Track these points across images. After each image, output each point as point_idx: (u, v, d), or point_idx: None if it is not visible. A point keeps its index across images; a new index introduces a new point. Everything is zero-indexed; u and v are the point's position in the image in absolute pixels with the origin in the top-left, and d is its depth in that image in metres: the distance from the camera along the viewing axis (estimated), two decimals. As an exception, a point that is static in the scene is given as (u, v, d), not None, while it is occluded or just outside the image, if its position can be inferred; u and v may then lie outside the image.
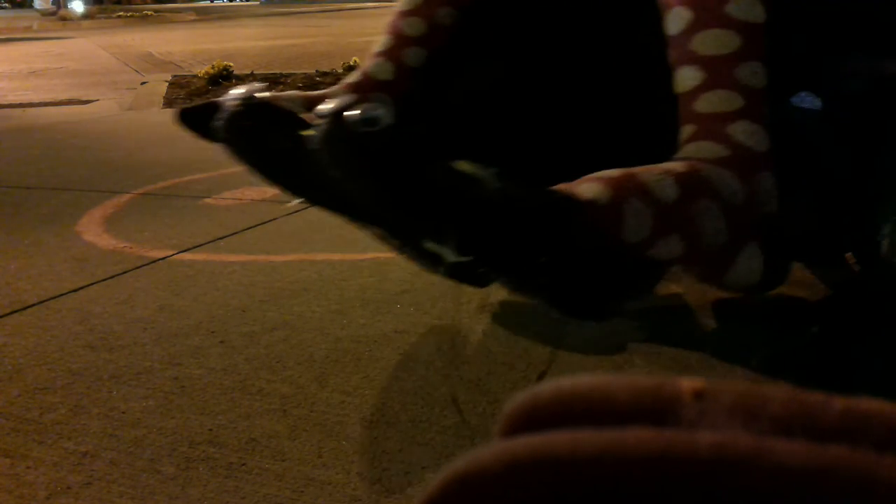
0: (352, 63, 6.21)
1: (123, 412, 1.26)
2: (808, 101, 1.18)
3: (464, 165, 0.90)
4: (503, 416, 0.21)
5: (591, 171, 0.99)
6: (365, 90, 1.34)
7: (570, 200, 0.93)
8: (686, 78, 1.07)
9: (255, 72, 6.35)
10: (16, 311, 1.71)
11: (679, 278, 1.12)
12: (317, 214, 2.46)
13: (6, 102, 5.76)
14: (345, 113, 0.86)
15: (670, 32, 1.10)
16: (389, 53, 1.29)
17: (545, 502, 0.18)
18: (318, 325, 1.57)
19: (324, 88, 4.39)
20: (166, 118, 4.80)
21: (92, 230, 2.30)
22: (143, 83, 6.43)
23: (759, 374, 1.31)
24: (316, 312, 1.63)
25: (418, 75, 1.25)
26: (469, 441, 1.15)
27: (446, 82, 1.19)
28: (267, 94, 1.21)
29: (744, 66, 1.04)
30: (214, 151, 3.09)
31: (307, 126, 1.08)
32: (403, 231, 1.13)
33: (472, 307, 1.62)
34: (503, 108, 1.27)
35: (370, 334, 1.51)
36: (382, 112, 0.87)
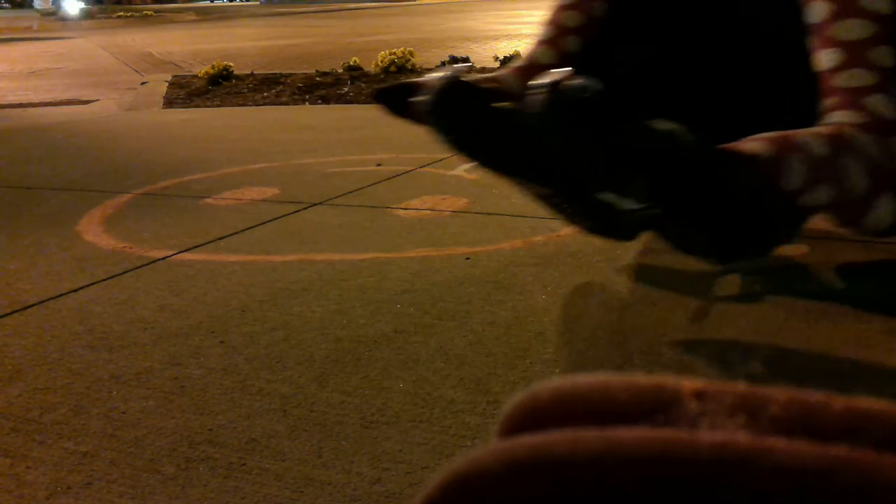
0: (352, 63, 6.21)
1: (123, 412, 1.26)
2: None
3: (661, 124, 1.09)
4: (503, 416, 0.21)
5: (740, 138, 1.17)
6: (531, 73, 1.49)
7: (741, 155, 1.13)
8: (827, 59, 1.29)
9: (254, 72, 6.35)
10: (16, 311, 1.71)
11: (826, 222, 1.40)
12: (317, 214, 2.46)
13: (6, 102, 5.76)
14: (563, 83, 1.08)
15: (812, 21, 1.31)
16: (551, 42, 1.50)
17: (544, 502, 0.18)
18: (318, 325, 1.57)
19: (325, 88, 4.46)
20: (166, 118, 4.80)
21: (92, 230, 2.30)
22: (143, 83, 6.43)
23: (760, 375, 1.31)
24: (316, 312, 1.63)
25: (576, 60, 1.43)
26: (469, 441, 1.15)
27: (600, 65, 1.35)
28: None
29: (876, 49, 1.26)
30: (214, 151, 3.09)
31: (500, 100, 1.34)
32: (578, 187, 1.33)
33: (473, 306, 1.62)
34: (655, 85, 1.46)
35: (370, 334, 1.51)
36: (593, 82, 1.07)
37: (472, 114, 1.34)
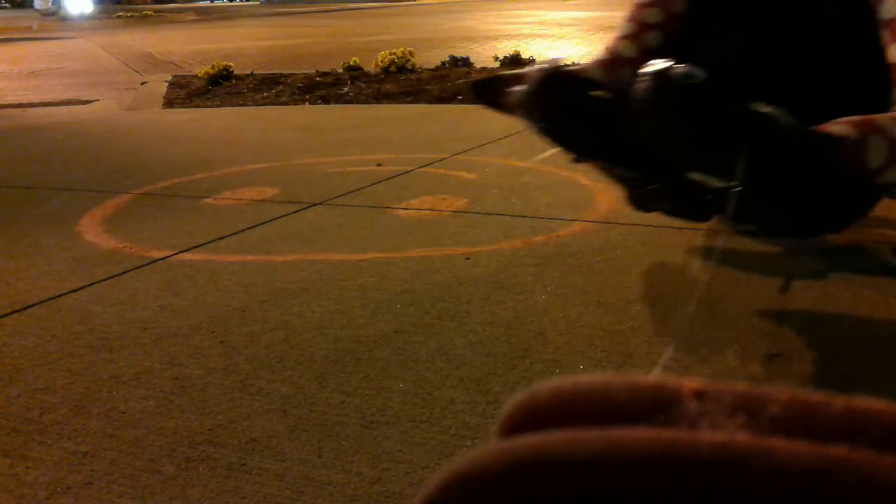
0: (352, 63, 6.21)
1: (123, 412, 1.26)
2: None
3: (760, 107, 1.22)
4: (502, 416, 0.21)
5: (813, 123, 1.27)
6: (614, 66, 1.66)
7: (830, 136, 1.25)
8: None
9: (254, 72, 6.35)
10: (16, 311, 1.71)
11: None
12: (317, 214, 2.46)
13: (6, 102, 5.76)
14: (670, 70, 1.22)
15: (886, 17, 1.42)
16: (633, 37, 1.62)
17: (544, 503, 0.18)
18: (318, 325, 1.57)
19: (325, 88, 4.49)
20: (166, 118, 4.80)
21: (92, 230, 2.30)
22: (143, 83, 6.43)
23: (760, 375, 1.31)
24: (316, 312, 1.63)
25: (657, 53, 1.51)
26: (469, 441, 1.15)
27: (683, 58, 1.45)
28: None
29: None
30: (214, 151, 3.08)
31: (596, 88, 1.46)
32: (671, 168, 1.42)
33: (475, 306, 1.62)
34: (735, 76, 1.53)
35: (370, 334, 1.51)
36: (698, 70, 1.21)
37: (570, 102, 1.48)
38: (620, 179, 1.71)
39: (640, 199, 1.74)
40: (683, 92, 1.23)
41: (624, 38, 1.67)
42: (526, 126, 1.56)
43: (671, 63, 1.25)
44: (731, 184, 1.23)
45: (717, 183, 1.30)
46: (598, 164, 1.67)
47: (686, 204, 1.64)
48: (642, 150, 1.43)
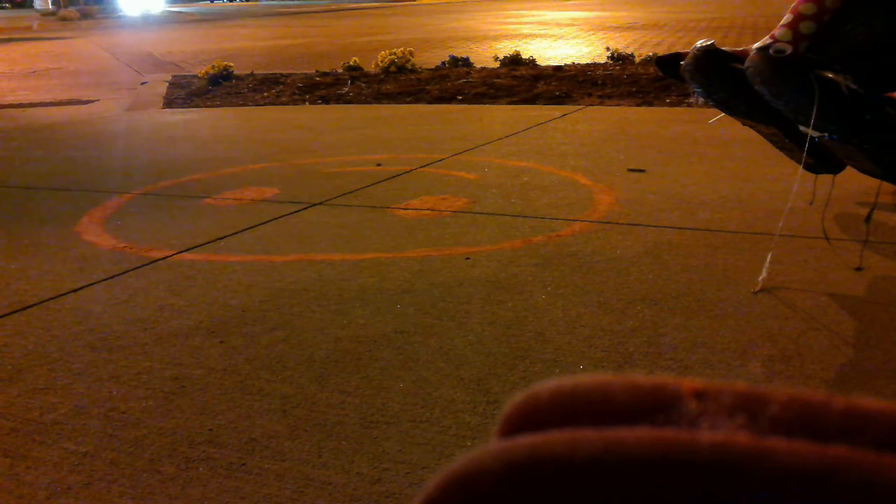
0: (352, 63, 6.21)
1: (123, 412, 1.26)
2: None
3: (827, 73, 1.64)
4: (503, 416, 0.21)
5: None
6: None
7: (888, 98, 1.59)
8: None
9: (254, 72, 6.35)
10: (16, 311, 1.71)
11: None
12: (317, 214, 2.46)
13: (6, 102, 5.76)
14: (771, 49, 1.69)
15: None
16: (790, 25, 1.91)
17: (544, 503, 0.18)
18: (318, 325, 1.57)
19: (325, 88, 4.53)
20: (166, 118, 4.80)
21: (92, 230, 2.30)
22: (143, 83, 6.43)
23: (759, 376, 1.31)
24: (316, 312, 1.63)
25: (808, 38, 1.86)
26: (469, 441, 1.15)
27: (827, 42, 1.81)
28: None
29: None
30: (214, 151, 3.09)
31: (737, 61, 1.83)
32: (787, 123, 1.82)
33: (473, 307, 1.62)
34: (853, 54, 1.91)
35: (370, 334, 1.51)
36: (786, 46, 1.71)
37: (716, 72, 1.88)
38: (767, 136, 2.07)
39: (788, 151, 2.10)
40: (777, 60, 1.69)
41: (783, 25, 1.95)
42: (693, 92, 1.96)
43: (770, 42, 1.72)
44: (822, 135, 1.65)
45: (813, 133, 1.71)
46: (747, 123, 2.03)
47: (813, 156, 1.93)
48: (766, 108, 1.80)
